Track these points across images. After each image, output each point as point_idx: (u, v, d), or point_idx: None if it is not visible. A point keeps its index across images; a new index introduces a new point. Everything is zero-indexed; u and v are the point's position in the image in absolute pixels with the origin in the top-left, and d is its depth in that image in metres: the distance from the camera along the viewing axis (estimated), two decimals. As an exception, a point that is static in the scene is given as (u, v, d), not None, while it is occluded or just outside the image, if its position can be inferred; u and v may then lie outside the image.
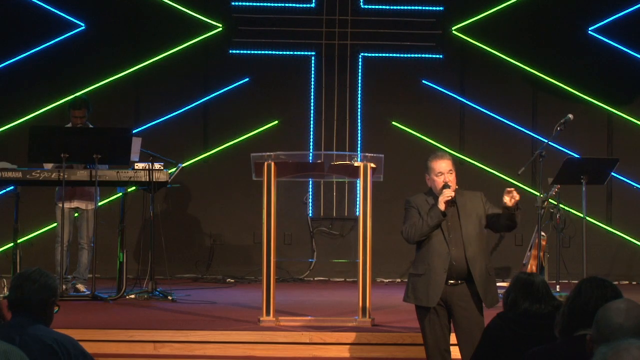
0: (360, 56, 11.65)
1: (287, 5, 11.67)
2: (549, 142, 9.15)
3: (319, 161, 8.13)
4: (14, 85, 11.44)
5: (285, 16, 11.63)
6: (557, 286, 9.13)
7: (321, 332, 7.27)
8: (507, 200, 5.95)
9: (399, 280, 11.27)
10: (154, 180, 9.12)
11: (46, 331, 4.09)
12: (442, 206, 5.99)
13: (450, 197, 5.99)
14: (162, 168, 9.17)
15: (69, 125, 9.50)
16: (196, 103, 11.59)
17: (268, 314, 7.56)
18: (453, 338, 6.15)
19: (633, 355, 2.77)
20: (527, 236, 10.29)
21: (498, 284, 9.45)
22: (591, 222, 10.96)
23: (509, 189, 5.97)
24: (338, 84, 11.63)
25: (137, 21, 11.69)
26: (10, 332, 4.00)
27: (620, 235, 11.50)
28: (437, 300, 5.98)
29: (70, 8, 11.50)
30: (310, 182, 11.36)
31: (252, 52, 11.64)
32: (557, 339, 3.85)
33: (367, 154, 7.65)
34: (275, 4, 11.66)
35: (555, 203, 9.59)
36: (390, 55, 11.66)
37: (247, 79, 11.64)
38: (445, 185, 6.04)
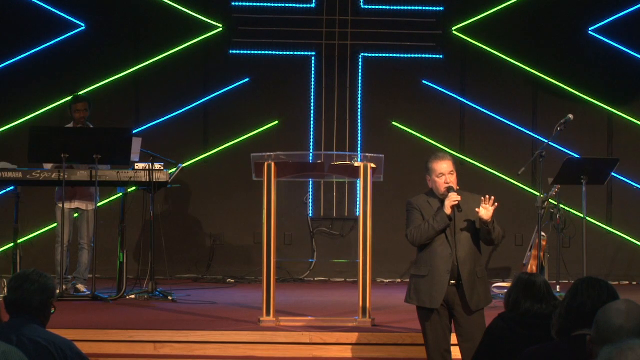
0: (360, 56, 11.65)
1: (287, 5, 11.67)
2: (549, 142, 9.15)
3: (319, 161, 8.13)
4: (14, 85, 11.44)
5: (285, 16, 11.62)
6: (557, 286, 9.12)
7: (321, 332, 7.27)
8: (483, 212, 5.94)
9: (399, 280, 11.26)
10: (154, 180, 9.12)
11: (42, 332, 4.08)
12: (448, 210, 5.98)
13: (456, 202, 5.98)
14: (162, 168, 9.17)
15: (69, 125, 9.50)
16: (196, 103, 11.59)
17: (268, 314, 7.56)
18: (453, 338, 6.15)
19: (638, 354, 2.77)
20: (527, 236, 10.29)
21: (498, 284, 9.57)
22: (591, 222, 10.95)
23: (484, 198, 5.94)
24: (338, 84, 11.62)
25: (137, 21, 11.69)
26: (7, 332, 3.99)
27: (620, 236, 11.50)
28: (440, 301, 5.98)
29: (70, 8, 11.50)
30: (310, 182, 11.36)
31: (252, 52, 11.64)
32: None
33: (367, 154, 7.65)
34: (275, 4, 11.66)
35: (555, 203, 9.59)
36: (390, 55, 11.66)
37: (247, 79, 11.64)
38: (450, 189, 6.02)
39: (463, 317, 6.02)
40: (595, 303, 3.57)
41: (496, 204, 5.94)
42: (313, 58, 11.66)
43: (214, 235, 11.54)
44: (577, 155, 10.86)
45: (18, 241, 9.21)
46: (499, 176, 11.41)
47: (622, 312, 3.21)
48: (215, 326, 7.62)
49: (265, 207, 7.58)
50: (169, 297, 9.07)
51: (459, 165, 6.31)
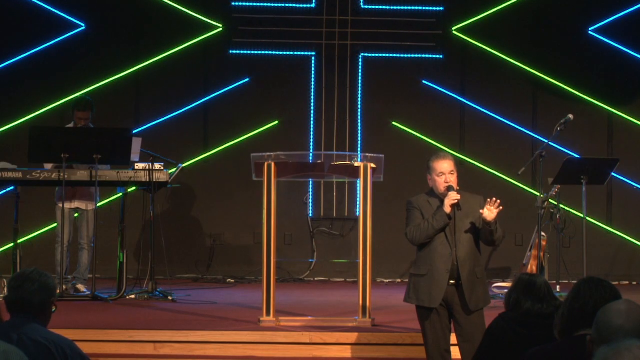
0: (360, 56, 11.65)
1: (287, 5, 11.67)
2: (549, 142, 9.15)
3: (319, 161, 8.13)
4: (14, 85, 11.44)
5: (285, 16, 11.62)
6: (557, 286, 9.12)
7: (321, 332, 7.27)
8: (487, 214, 5.94)
9: (399, 280, 11.27)
10: (154, 180, 9.12)
11: (43, 332, 4.08)
12: (447, 209, 5.98)
13: (456, 200, 5.98)
14: (162, 168, 9.17)
15: (70, 125, 9.49)
16: (196, 103, 11.59)
17: (268, 314, 7.56)
18: (453, 338, 6.15)
19: (634, 354, 2.78)
20: (527, 236, 10.29)
21: (498, 284, 9.57)
22: (591, 222, 10.95)
23: (490, 200, 5.94)
24: (338, 84, 11.63)
25: (137, 21, 11.69)
26: (7, 332, 3.98)
27: (620, 235, 11.50)
28: (439, 300, 5.99)
29: (70, 8, 11.50)
30: (310, 182, 11.36)
31: (252, 52, 11.64)
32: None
33: (367, 154, 7.65)
34: (275, 4, 11.66)
35: (555, 203, 9.59)
36: (390, 55, 11.66)
37: (247, 79, 11.64)
38: (450, 188, 6.03)
39: (462, 317, 6.02)
40: (598, 303, 3.57)
41: (501, 207, 5.94)
42: (313, 58, 11.66)
43: (214, 235, 11.54)
44: (577, 155, 10.86)
45: (18, 241, 9.20)
46: (499, 176, 11.41)
47: (622, 312, 3.21)
48: (215, 326, 7.62)
49: (265, 207, 7.58)
50: (169, 297, 9.07)
51: (459, 165, 6.30)
